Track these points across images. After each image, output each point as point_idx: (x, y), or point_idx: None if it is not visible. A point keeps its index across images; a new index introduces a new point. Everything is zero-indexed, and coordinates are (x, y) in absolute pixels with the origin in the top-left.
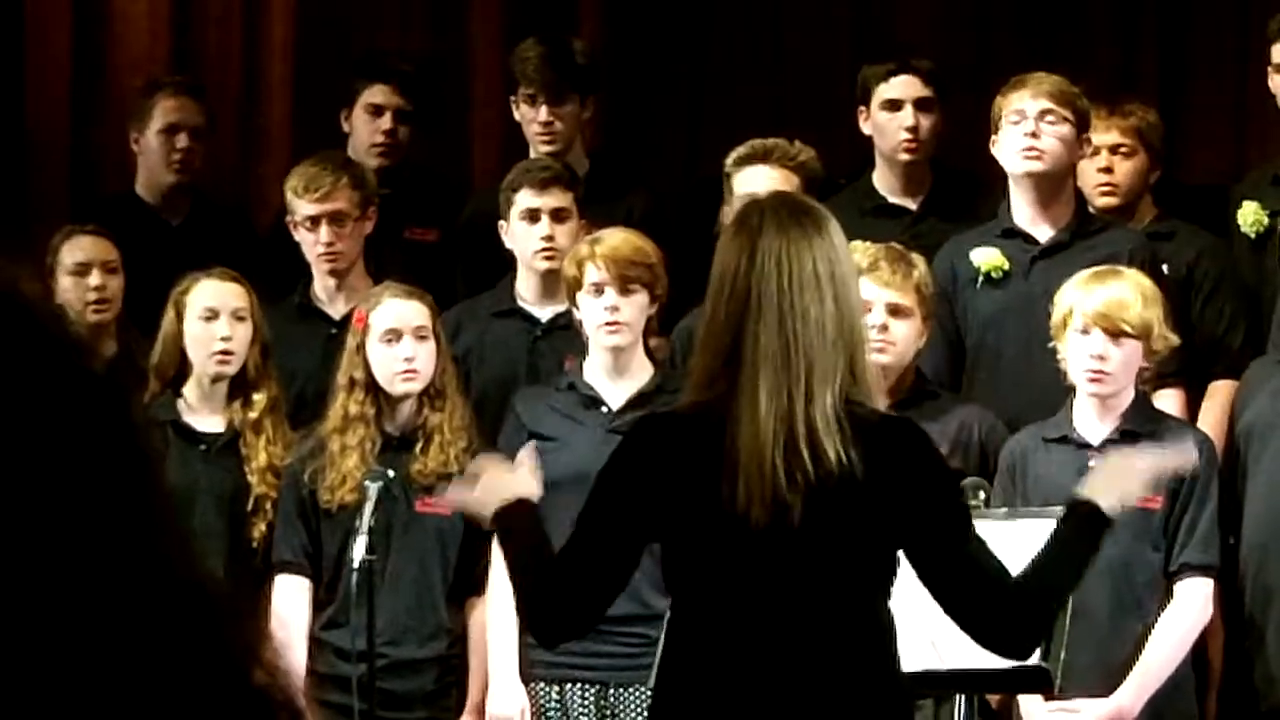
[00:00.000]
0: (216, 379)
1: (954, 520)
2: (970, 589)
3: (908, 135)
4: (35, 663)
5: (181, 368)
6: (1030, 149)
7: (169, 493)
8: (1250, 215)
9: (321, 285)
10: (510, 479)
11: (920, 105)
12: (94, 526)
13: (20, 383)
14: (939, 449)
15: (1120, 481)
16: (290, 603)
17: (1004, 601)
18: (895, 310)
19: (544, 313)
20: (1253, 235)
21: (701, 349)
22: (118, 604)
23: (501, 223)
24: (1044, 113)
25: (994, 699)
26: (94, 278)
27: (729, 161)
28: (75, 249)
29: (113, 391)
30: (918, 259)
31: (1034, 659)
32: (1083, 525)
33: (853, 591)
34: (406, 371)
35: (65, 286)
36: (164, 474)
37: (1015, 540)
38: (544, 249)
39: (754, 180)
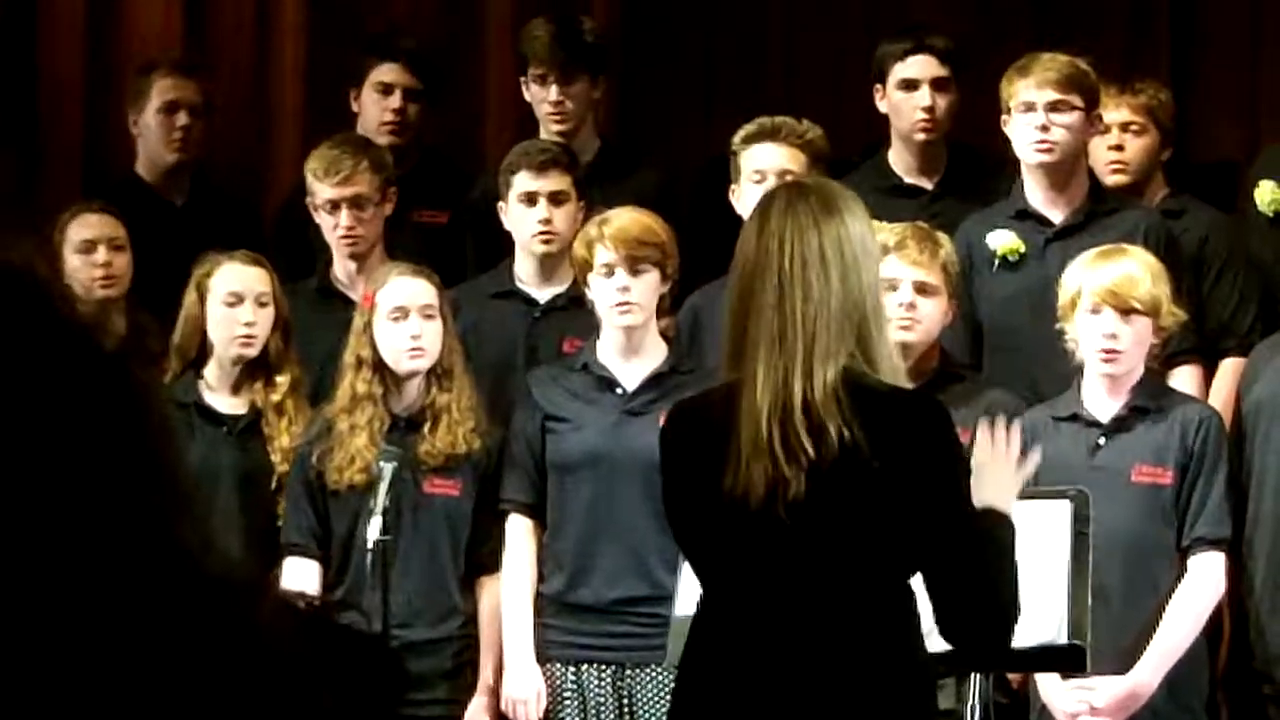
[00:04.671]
0: (238, 361)
1: (949, 499)
2: (943, 573)
3: (924, 115)
4: (49, 642)
5: (201, 349)
6: (1041, 142)
7: (185, 469)
8: (1268, 194)
9: (342, 268)
10: None
11: (937, 85)
12: (107, 502)
13: (32, 360)
14: (952, 424)
15: (1000, 478)
16: (300, 585)
17: (966, 595)
18: (922, 289)
19: (543, 294)
20: (1270, 214)
21: (725, 331)
22: (130, 582)
23: (500, 204)
24: (1053, 104)
25: (1014, 677)
26: (100, 254)
27: (736, 139)
28: (82, 227)
29: (124, 369)
30: (943, 238)
31: (1064, 637)
32: (990, 528)
33: (862, 569)
34: (413, 349)
35: (73, 264)
36: (179, 450)
37: (1026, 521)
38: (541, 232)
39: (761, 158)
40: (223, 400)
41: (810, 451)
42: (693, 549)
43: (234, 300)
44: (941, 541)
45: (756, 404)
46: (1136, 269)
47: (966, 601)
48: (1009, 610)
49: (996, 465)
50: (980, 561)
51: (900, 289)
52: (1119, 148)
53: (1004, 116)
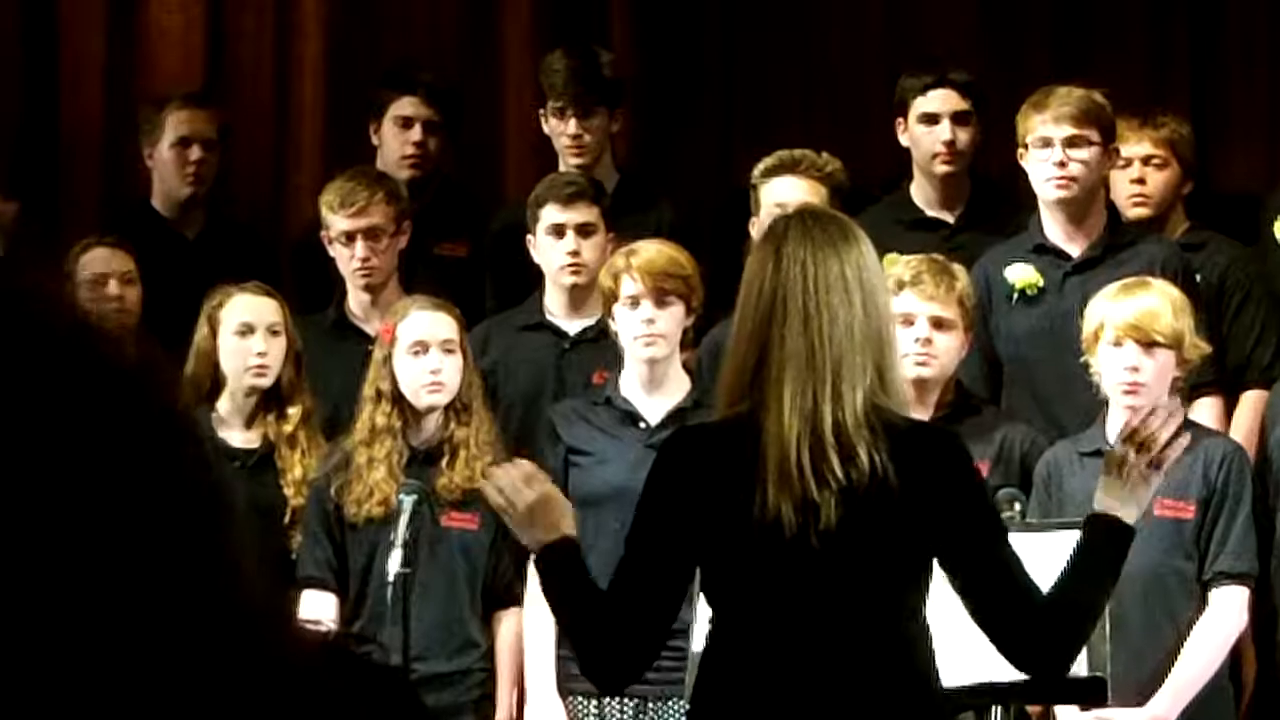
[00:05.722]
0: (250, 392)
1: (985, 530)
2: (1000, 602)
3: (944, 149)
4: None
5: (214, 381)
6: (1059, 178)
7: (231, 499)
8: None
9: (357, 301)
10: (556, 511)
11: (957, 119)
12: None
13: (81, 402)
14: (972, 459)
15: (1131, 490)
16: (317, 618)
17: (1033, 617)
18: (938, 323)
19: (572, 326)
20: None
21: (730, 360)
22: (174, 614)
23: (529, 237)
24: (1070, 139)
25: (1034, 710)
26: (111, 288)
27: (756, 172)
28: (93, 260)
29: (174, 409)
30: (959, 271)
31: (1083, 669)
32: (1106, 537)
33: (887, 595)
34: (433, 384)
35: (83, 297)
36: (226, 483)
37: (1049, 552)
38: (570, 264)
39: (781, 191)
40: (235, 434)
41: (841, 477)
42: (714, 576)
43: (245, 330)
44: (982, 568)
45: (784, 430)
46: (1159, 302)
47: (1021, 623)
48: (1077, 621)
49: (1141, 471)
50: (1026, 581)
51: (916, 324)
52: (1141, 181)
53: (1020, 151)
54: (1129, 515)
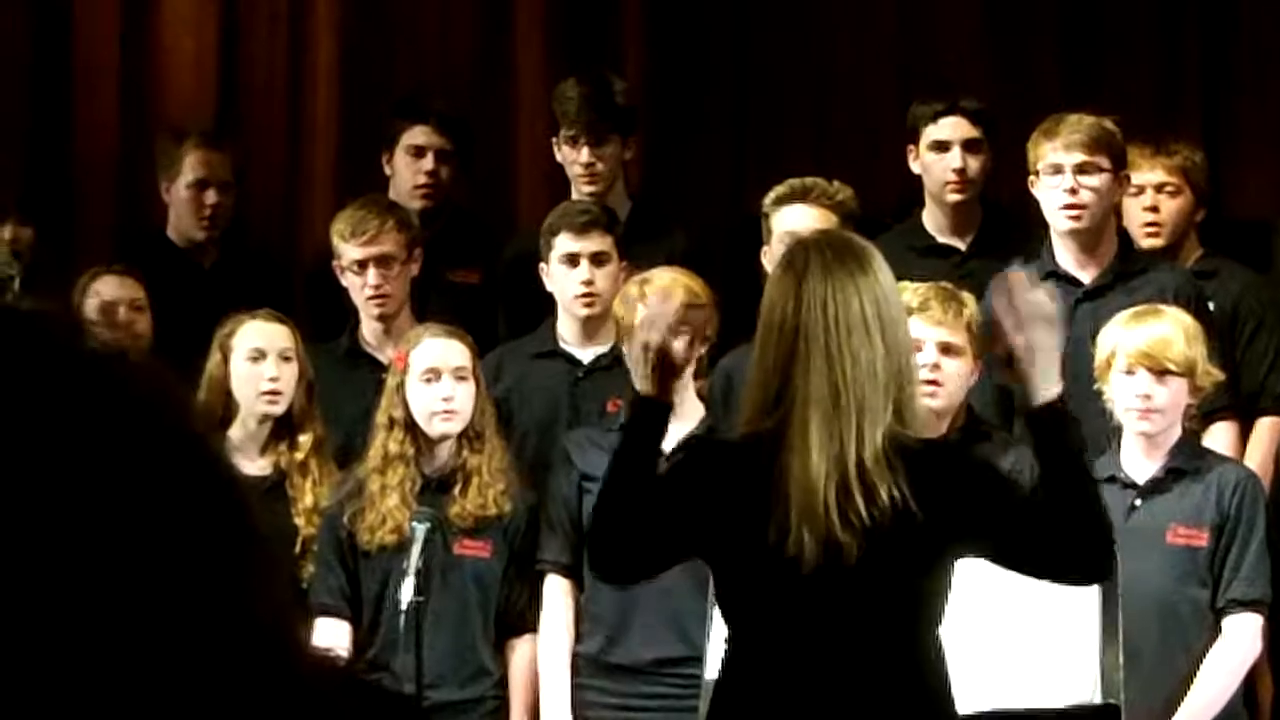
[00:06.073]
0: (263, 419)
1: (1003, 509)
2: (1032, 543)
3: (955, 176)
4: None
5: (226, 409)
6: (1070, 206)
7: (261, 541)
8: None
9: (370, 329)
10: (669, 375)
11: (968, 146)
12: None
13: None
14: (984, 461)
15: (1033, 364)
16: (330, 645)
17: (1058, 533)
18: (946, 349)
19: (585, 354)
20: None
21: (750, 391)
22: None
23: (542, 265)
24: (1080, 166)
25: None
26: (121, 315)
27: (768, 201)
28: (101, 288)
29: (206, 444)
30: (968, 298)
31: (1098, 697)
32: (1047, 427)
33: (903, 624)
34: (445, 411)
35: (93, 325)
36: (256, 525)
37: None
38: (583, 294)
39: (793, 219)
40: (247, 464)
41: (865, 516)
42: (731, 601)
43: (257, 356)
44: (1011, 533)
45: (812, 469)
46: (1172, 330)
47: (1060, 539)
48: (1101, 521)
49: (1027, 340)
50: (1060, 498)
51: (924, 350)
52: (1154, 209)
53: (1031, 178)
54: (1048, 390)
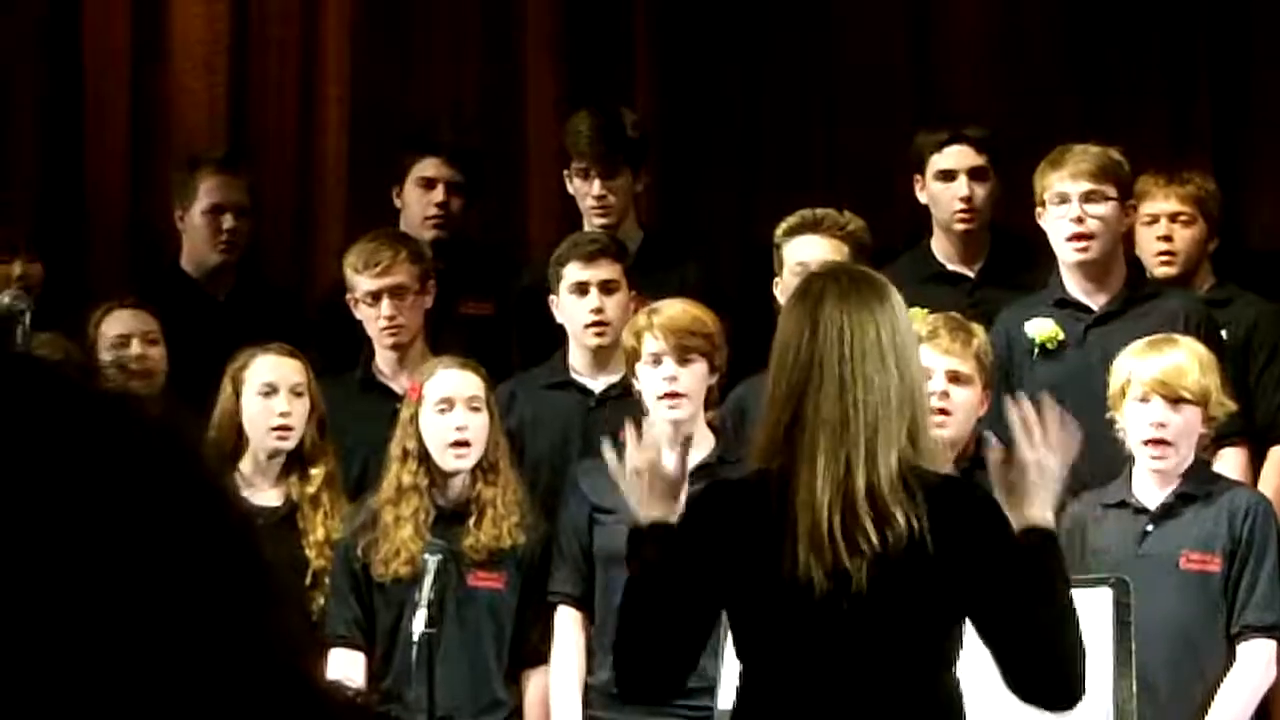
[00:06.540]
0: (274, 454)
1: (1015, 581)
2: (1016, 648)
3: (962, 205)
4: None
5: (237, 443)
6: (1077, 236)
7: (274, 573)
8: None
9: (384, 360)
10: (669, 495)
11: (974, 174)
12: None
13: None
14: (1004, 515)
15: (1037, 485)
16: (345, 677)
17: (1030, 658)
18: (955, 378)
19: (597, 384)
20: None
21: (764, 419)
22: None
23: (552, 296)
24: (1087, 195)
25: None
26: (134, 348)
27: (779, 231)
28: (114, 322)
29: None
30: (977, 328)
31: None
32: (1036, 552)
33: (919, 659)
34: (458, 442)
35: (107, 359)
36: (269, 559)
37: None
38: (593, 322)
39: (804, 250)
40: (257, 494)
41: (875, 541)
42: (744, 633)
43: (269, 390)
44: (1011, 617)
45: (816, 495)
46: (1186, 359)
47: (1033, 658)
48: (1075, 653)
49: (1041, 461)
50: (1039, 614)
51: (934, 378)
52: (1168, 238)
53: (1038, 210)
54: (1043, 516)
